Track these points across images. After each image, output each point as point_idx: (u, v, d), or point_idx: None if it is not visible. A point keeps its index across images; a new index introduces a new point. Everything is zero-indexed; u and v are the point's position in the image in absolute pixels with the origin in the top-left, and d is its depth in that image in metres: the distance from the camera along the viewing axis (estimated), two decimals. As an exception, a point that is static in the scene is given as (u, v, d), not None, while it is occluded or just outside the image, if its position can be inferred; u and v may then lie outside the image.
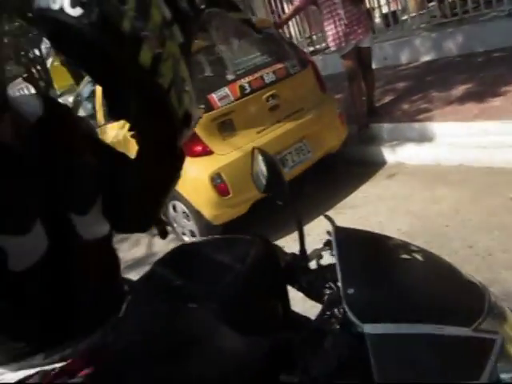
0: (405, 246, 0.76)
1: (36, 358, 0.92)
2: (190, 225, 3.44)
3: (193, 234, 3.50)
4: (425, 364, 0.64)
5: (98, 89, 4.20)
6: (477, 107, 3.82)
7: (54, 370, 0.94)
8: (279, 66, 3.58)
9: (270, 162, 1.08)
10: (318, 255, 1.03)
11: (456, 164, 3.48)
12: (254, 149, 1.15)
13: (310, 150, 3.56)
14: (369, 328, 0.64)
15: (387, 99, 4.92)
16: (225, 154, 3.21)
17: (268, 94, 3.43)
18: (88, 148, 1.00)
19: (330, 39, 4.12)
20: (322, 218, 1.02)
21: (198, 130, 3.04)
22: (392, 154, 3.99)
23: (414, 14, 6.20)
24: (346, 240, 0.73)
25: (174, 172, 1.04)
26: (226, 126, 3.24)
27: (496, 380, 0.64)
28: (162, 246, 3.78)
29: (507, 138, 3.21)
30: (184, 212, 3.43)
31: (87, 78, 4.98)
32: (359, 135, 4.27)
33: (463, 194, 3.13)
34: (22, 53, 15.92)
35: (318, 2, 4.02)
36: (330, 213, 1.02)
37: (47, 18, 0.74)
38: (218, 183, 3.14)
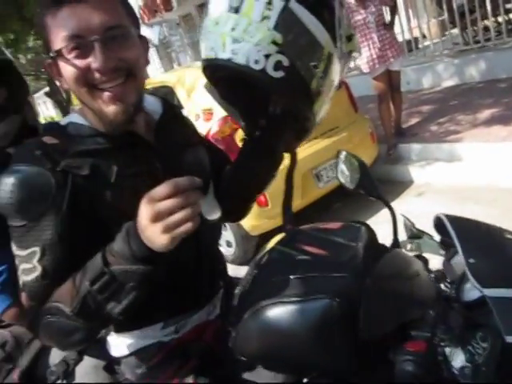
0: (503, 229, 0.88)
1: (155, 327, 1.03)
2: (227, 235, 3.52)
3: (228, 245, 3.58)
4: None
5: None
6: (505, 129, 3.95)
7: (170, 341, 1.06)
8: (316, 85, 3.74)
9: (359, 163, 1.21)
10: (404, 246, 1.16)
11: (484, 184, 3.58)
12: (339, 151, 1.28)
13: (344, 167, 3.69)
14: (488, 292, 0.75)
15: (413, 121, 5.06)
16: (265, 167, 3.33)
17: (307, 112, 3.58)
18: (196, 141, 1.15)
19: (363, 61, 4.30)
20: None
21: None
22: (420, 174, 4.10)
23: (436, 41, 6.39)
24: (456, 221, 0.85)
25: (272, 172, 1.18)
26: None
27: None
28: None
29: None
30: (221, 222, 3.53)
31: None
32: (388, 155, 4.40)
33: (492, 211, 3.23)
34: (43, 69, 16.45)
35: (352, 26, 4.21)
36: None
37: (236, 71, 0.80)
38: (258, 194, 3.25)
